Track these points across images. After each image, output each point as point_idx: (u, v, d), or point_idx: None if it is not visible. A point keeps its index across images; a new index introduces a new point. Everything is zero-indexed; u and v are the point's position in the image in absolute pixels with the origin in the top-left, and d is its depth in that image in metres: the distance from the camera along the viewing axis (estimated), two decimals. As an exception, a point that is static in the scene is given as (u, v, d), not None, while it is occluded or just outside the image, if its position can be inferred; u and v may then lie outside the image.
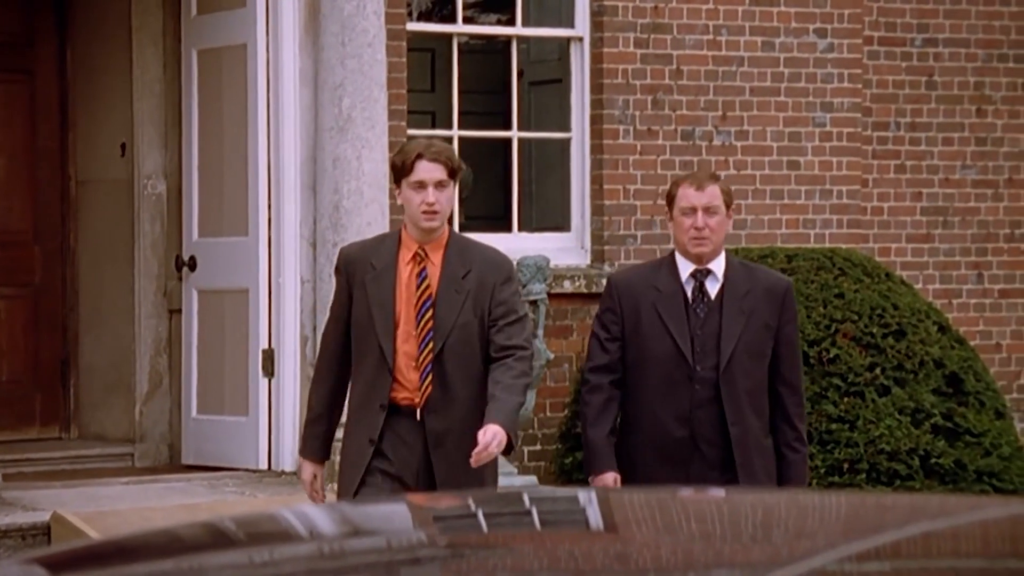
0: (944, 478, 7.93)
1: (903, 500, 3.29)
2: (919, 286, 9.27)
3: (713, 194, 5.66)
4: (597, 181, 8.97)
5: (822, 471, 7.78)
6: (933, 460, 7.93)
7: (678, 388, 5.56)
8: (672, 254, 5.79)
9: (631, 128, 8.95)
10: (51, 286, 9.20)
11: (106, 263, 9.08)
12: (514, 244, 8.85)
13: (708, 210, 5.64)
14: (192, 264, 8.65)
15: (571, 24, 9.03)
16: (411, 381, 5.55)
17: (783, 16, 9.22)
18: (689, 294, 5.65)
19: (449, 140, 9.07)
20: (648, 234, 9.03)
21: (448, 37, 8.98)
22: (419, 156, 5.58)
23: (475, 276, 5.59)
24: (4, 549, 7.07)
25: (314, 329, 8.19)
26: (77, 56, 9.16)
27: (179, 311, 8.74)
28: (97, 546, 3.00)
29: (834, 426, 7.86)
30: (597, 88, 8.94)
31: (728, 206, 5.72)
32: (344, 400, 5.70)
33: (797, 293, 8.11)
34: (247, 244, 8.37)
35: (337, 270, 5.77)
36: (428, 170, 5.58)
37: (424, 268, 5.60)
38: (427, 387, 5.55)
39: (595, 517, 2.79)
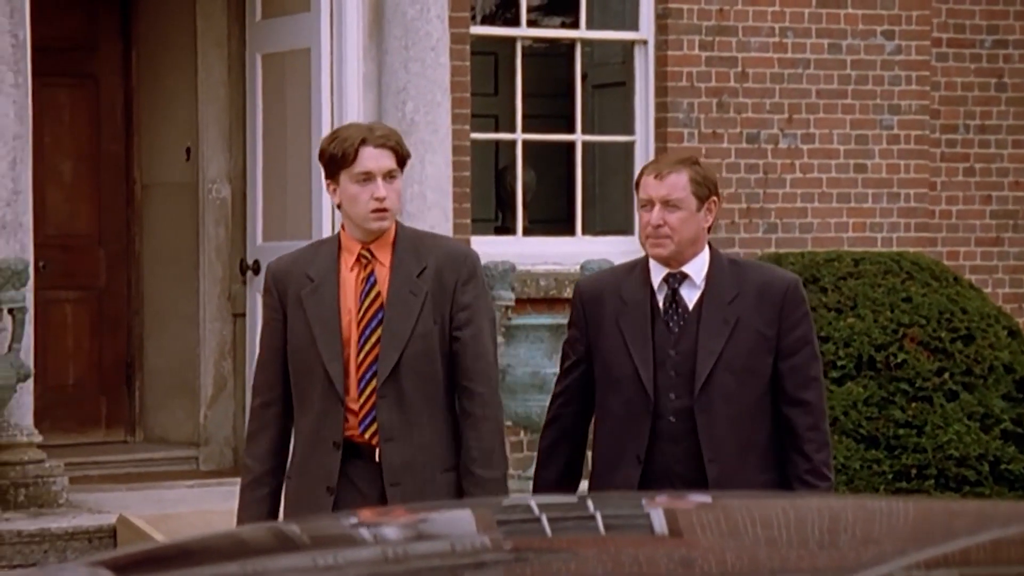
0: (1014, 484, 7.84)
1: (972, 506, 3.24)
2: (988, 290, 9.17)
3: (675, 184, 4.60)
4: (661, 184, 8.92)
5: (890, 477, 7.71)
6: (1003, 466, 7.85)
7: (639, 420, 4.54)
8: (646, 256, 4.74)
9: (695, 131, 8.91)
10: (116, 289, 9.24)
11: (170, 267, 9.12)
12: (578, 248, 8.82)
13: (668, 204, 4.60)
14: (256, 268, 8.68)
15: (635, 27, 8.99)
16: (365, 410, 4.55)
17: (850, 18, 9.16)
18: (661, 304, 4.61)
19: (512, 144, 9.07)
20: (712, 237, 8.96)
21: (511, 40, 8.97)
22: (363, 142, 4.55)
23: (432, 273, 4.58)
24: (71, 551, 7.11)
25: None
26: (141, 60, 9.21)
27: (243, 315, 8.77)
28: (162, 549, 2.99)
29: (901, 431, 7.79)
30: (661, 91, 8.90)
31: (703, 198, 4.64)
32: (288, 453, 4.70)
33: (864, 298, 8.05)
34: (311, 248, 8.38)
35: (266, 290, 4.69)
36: (375, 158, 4.56)
37: (372, 272, 4.60)
38: (380, 414, 4.52)
39: (659, 522, 2.76)
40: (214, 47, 8.88)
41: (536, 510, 2.90)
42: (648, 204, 4.62)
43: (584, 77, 9.10)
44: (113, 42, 9.23)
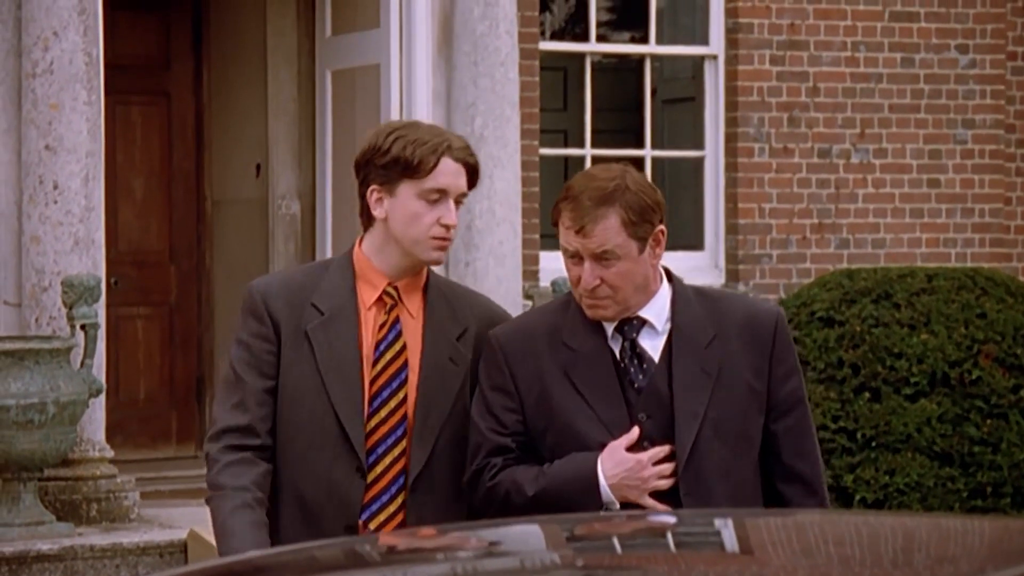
0: (1091, 503, 7.73)
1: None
2: (1063, 306, 9.06)
3: (604, 235, 3.49)
4: (731, 199, 8.89)
5: (964, 495, 7.63)
6: (1079, 485, 7.74)
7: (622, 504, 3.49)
8: None
9: (766, 146, 8.86)
10: (186, 305, 9.30)
11: (241, 282, 9.13)
12: (647, 264, 8.80)
13: (601, 258, 3.51)
14: (326, 283, 8.69)
15: (705, 42, 8.96)
16: (386, 493, 3.54)
17: (923, 32, 9.08)
18: (617, 356, 3.55)
19: (582, 159, 9.05)
20: (783, 253, 8.93)
21: (581, 56, 8.96)
22: (447, 150, 3.60)
23: (473, 339, 3.61)
24: (142, 566, 7.15)
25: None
26: (213, 77, 9.27)
27: (313, 330, 8.78)
28: (233, 564, 2.99)
29: (976, 449, 7.70)
30: (732, 106, 8.86)
31: (645, 236, 3.51)
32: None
33: (937, 314, 7.96)
34: (380, 263, 8.39)
35: (252, 313, 3.60)
36: (454, 174, 3.62)
37: (397, 319, 3.59)
38: (410, 514, 3.52)
39: (731, 541, 2.73)
40: (284, 64, 8.92)
41: (607, 527, 2.88)
42: (575, 259, 3.54)
43: (654, 92, 9.07)
44: (185, 60, 9.30)
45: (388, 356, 3.58)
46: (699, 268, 8.91)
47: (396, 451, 3.54)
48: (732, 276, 8.90)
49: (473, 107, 8.12)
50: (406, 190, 3.61)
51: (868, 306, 7.83)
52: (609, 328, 3.57)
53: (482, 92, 8.11)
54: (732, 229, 8.89)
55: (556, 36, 9.26)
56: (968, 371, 7.87)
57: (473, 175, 3.67)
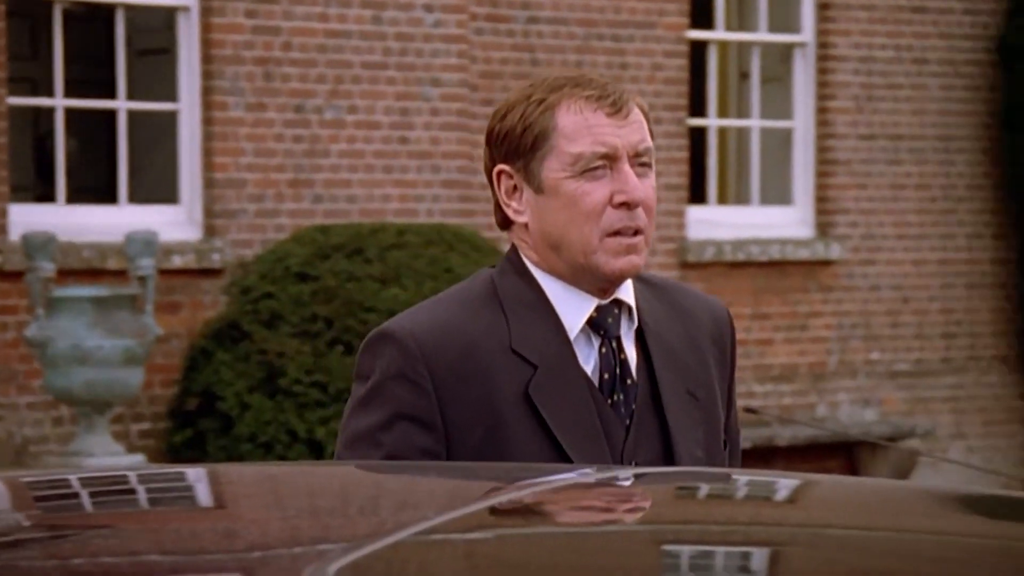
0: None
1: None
2: (526, 259, 9.48)
3: (642, 125, 2.46)
4: (208, 153, 8.86)
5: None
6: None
7: None
8: (521, 268, 2.50)
9: (242, 100, 8.87)
10: None
11: None
12: (122, 217, 8.67)
13: (638, 161, 2.46)
14: None
15: (177, -7, 8.88)
16: None
17: (392, -10, 9.29)
18: (592, 367, 2.47)
19: (52, 110, 8.82)
20: (260, 208, 8.98)
21: (49, 3, 8.72)
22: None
23: None
24: None
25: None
26: None
27: None
28: None
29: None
30: (207, 59, 8.82)
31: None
32: None
33: (407, 268, 8.18)
34: None
35: None
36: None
37: None
38: None
39: (204, 494, 2.76)
40: None
41: (76, 486, 2.86)
42: (604, 164, 2.42)
43: (128, 43, 8.93)
44: None
45: None
46: (175, 223, 8.86)
47: None
48: (209, 231, 8.89)
49: (-65, 54, 7.78)
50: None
51: (341, 261, 7.97)
52: (576, 319, 2.42)
53: (-56, 39, 7.78)
54: (209, 183, 8.87)
55: (24, -18, 8.98)
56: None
57: None
